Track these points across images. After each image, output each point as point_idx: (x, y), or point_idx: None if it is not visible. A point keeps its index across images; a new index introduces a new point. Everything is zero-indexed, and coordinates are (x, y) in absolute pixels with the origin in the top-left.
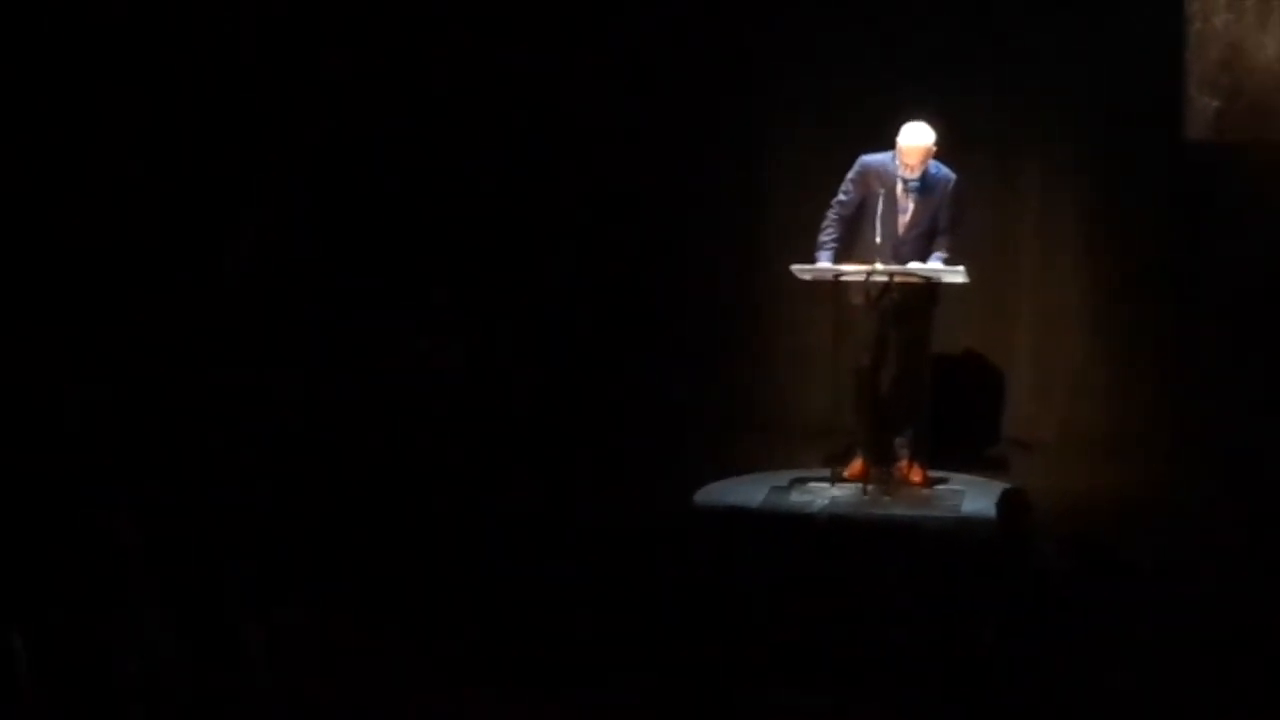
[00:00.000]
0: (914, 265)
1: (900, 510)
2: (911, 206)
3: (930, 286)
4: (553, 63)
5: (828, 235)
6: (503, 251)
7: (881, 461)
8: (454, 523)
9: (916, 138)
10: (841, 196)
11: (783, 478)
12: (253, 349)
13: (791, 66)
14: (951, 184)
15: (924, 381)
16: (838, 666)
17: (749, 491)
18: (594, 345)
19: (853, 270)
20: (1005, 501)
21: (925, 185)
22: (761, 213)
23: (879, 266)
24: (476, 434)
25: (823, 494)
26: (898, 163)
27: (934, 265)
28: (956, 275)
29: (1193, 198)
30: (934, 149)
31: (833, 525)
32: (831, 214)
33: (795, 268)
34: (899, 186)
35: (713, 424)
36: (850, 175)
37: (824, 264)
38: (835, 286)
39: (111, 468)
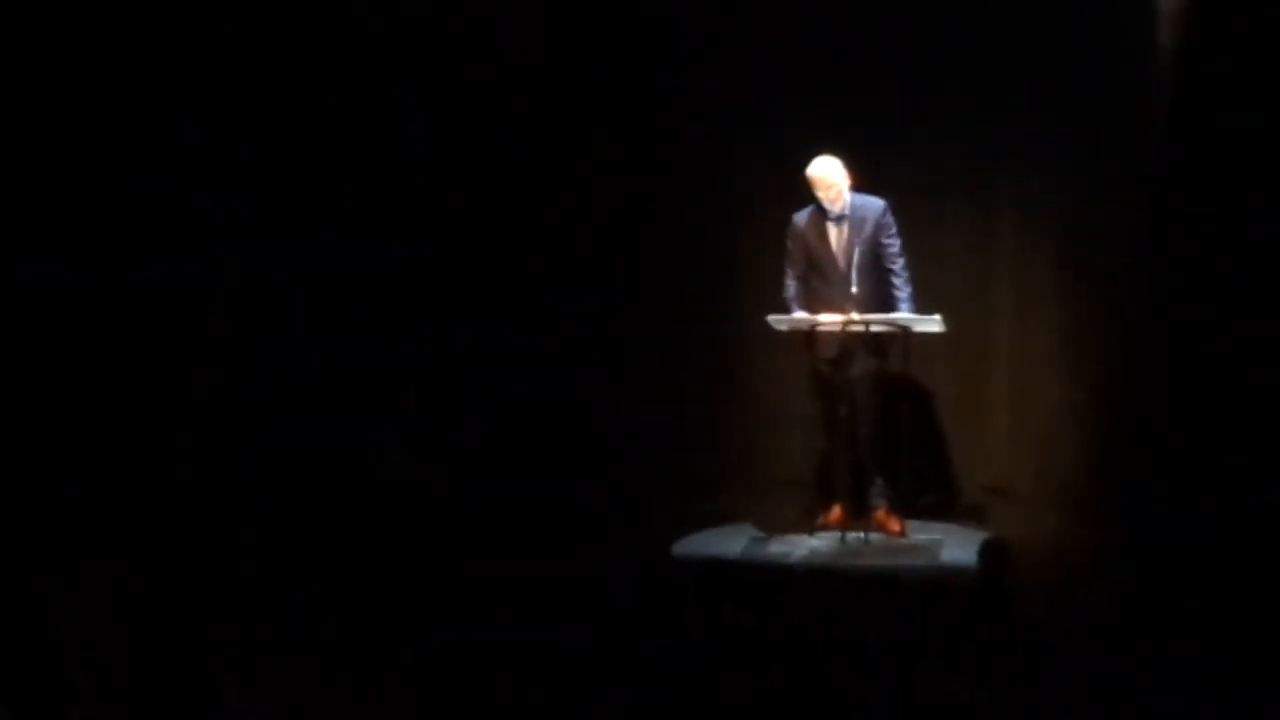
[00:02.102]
0: (891, 315)
1: (879, 560)
2: (849, 243)
3: (896, 333)
4: (529, 123)
5: (792, 292)
6: (478, 300)
7: (859, 511)
8: (431, 580)
9: (825, 169)
10: (789, 258)
11: (761, 529)
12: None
13: (766, 120)
14: (882, 209)
15: (896, 424)
16: (818, 717)
17: (728, 543)
18: (570, 398)
19: (829, 319)
20: (986, 551)
21: (855, 216)
22: (736, 265)
23: (855, 315)
24: (450, 492)
25: (801, 544)
26: (819, 203)
27: (908, 314)
28: (933, 324)
29: (1166, 236)
30: (848, 179)
31: (812, 575)
32: (786, 278)
33: (772, 318)
34: (829, 226)
35: (690, 476)
36: (787, 236)
37: (799, 314)
38: (810, 337)
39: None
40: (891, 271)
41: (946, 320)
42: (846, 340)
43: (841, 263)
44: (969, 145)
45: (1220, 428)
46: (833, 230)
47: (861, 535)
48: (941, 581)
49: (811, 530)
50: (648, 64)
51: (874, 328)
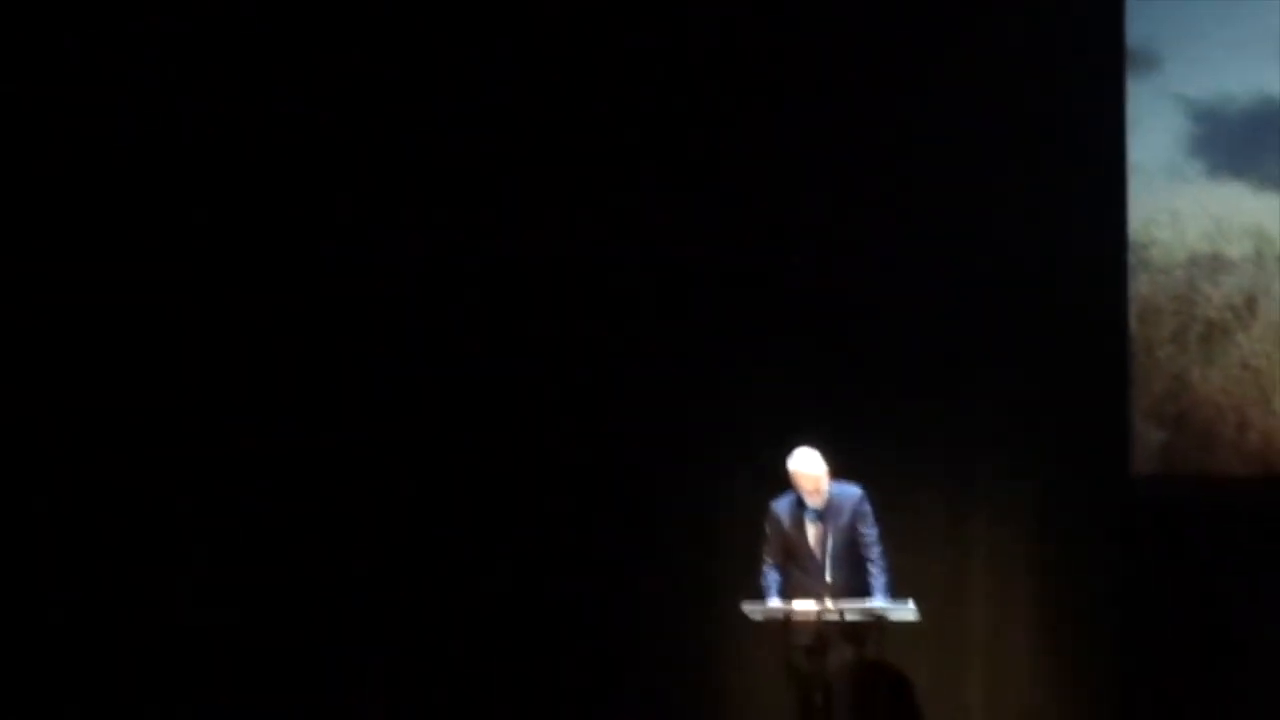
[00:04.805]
0: (865, 604)
1: None
2: (825, 532)
3: (871, 621)
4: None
5: (769, 580)
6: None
7: None
8: None
9: (809, 465)
10: (766, 546)
11: None
12: None
13: (740, 407)
14: (859, 499)
15: (872, 712)
16: None
17: None
18: (542, 688)
19: (803, 608)
20: None
21: (831, 507)
22: (713, 552)
23: (830, 604)
24: None
25: None
26: (799, 493)
27: (883, 602)
28: (907, 613)
29: (1143, 533)
30: (828, 471)
31: None
32: (764, 566)
33: (746, 607)
34: (806, 517)
35: None
36: (766, 522)
37: (774, 603)
38: (784, 626)
39: None
40: (868, 559)
41: (922, 609)
42: (822, 629)
43: (818, 552)
44: (944, 439)
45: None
46: (810, 522)
47: None
48: None
49: None
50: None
51: (849, 616)
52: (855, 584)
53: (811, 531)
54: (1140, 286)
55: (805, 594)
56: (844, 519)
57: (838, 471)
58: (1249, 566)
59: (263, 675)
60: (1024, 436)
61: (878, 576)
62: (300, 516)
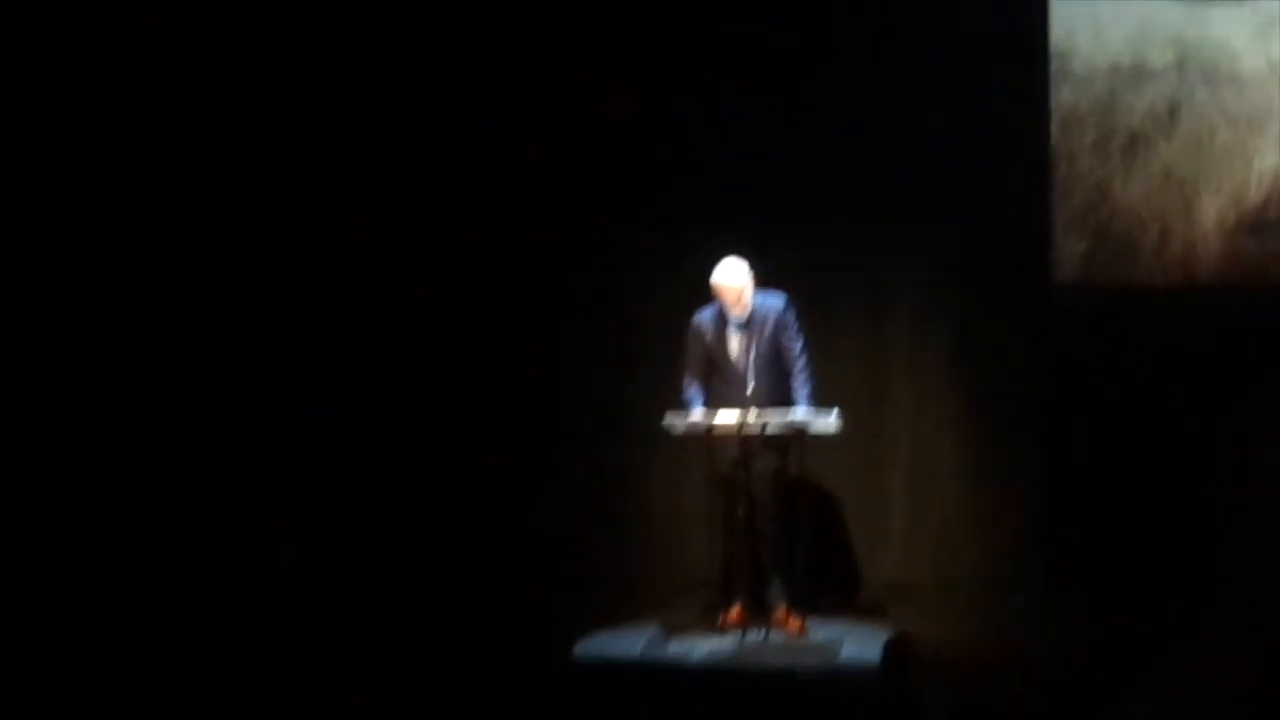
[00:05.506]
0: (786, 417)
1: (778, 659)
2: (748, 343)
3: (794, 432)
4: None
5: (691, 393)
6: (381, 404)
7: (760, 610)
8: (331, 689)
9: (732, 276)
10: (689, 358)
11: (662, 629)
12: None
13: (663, 214)
14: (782, 308)
15: (795, 523)
16: None
17: (628, 643)
18: (467, 499)
19: (725, 421)
20: (887, 648)
21: (755, 318)
22: (634, 369)
23: (751, 416)
24: (344, 591)
25: (701, 644)
26: (722, 305)
27: (803, 414)
28: (828, 424)
29: (1062, 341)
30: (752, 281)
31: (711, 676)
32: (687, 377)
33: (668, 421)
34: (729, 328)
35: (590, 577)
36: (688, 336)
37: (696, 416)
38: (707, 438)
39: None
40: (792, 369)
41: (844, 418)
42: (745, 440)
43: (741, 364)
44: (864, 246)
45: (1122, 519)
46: (734, 333)
47: (762, 634)
48: (841, 680)
49: (712, 630)
50: (547, 159)
51: (771, 429)
52: (778, 395)
53: (734, 342)
54: (1062, 96)
55: (728, 406)
56: (768, 328)
57: (760, 281)
58: (1167, 376)
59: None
60: (945, 246)
61: (800, 388)
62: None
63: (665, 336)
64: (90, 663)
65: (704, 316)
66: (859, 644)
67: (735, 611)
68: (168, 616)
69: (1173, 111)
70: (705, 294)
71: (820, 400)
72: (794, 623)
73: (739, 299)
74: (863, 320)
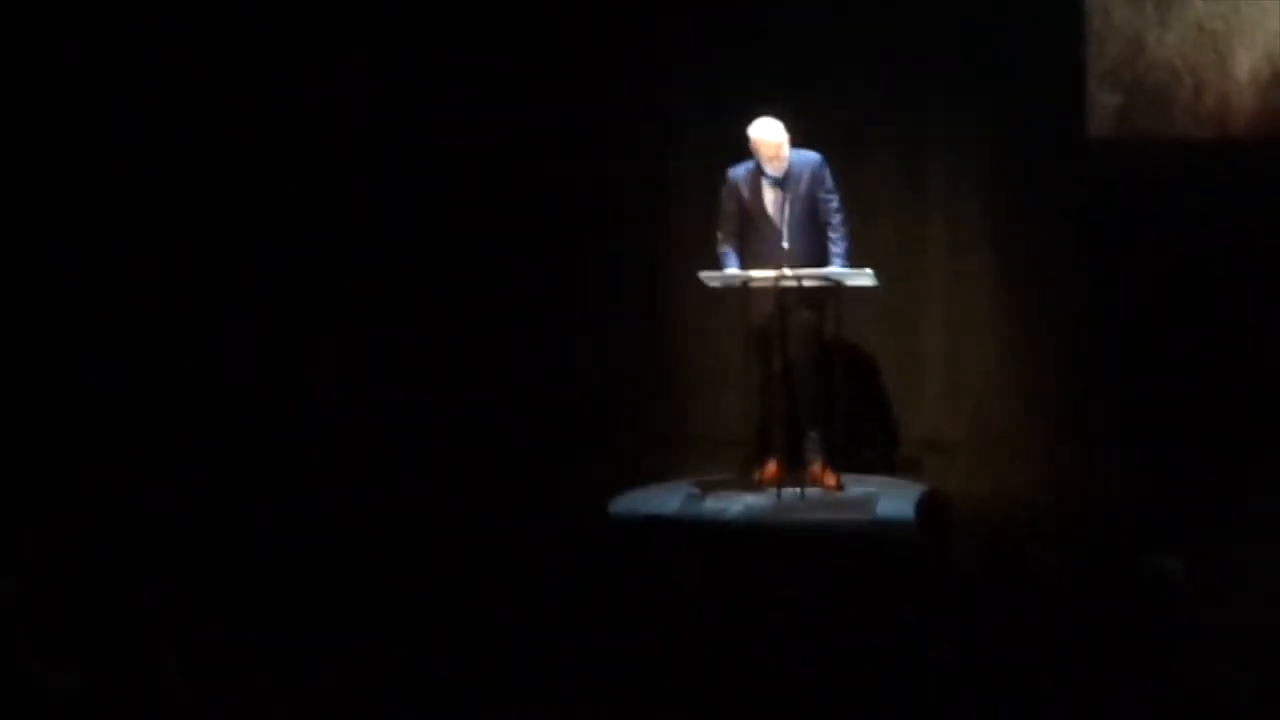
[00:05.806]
0: (823, 270)
1: (815, 515)
2: (784, 199)
3: (830, 288)
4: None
5: (726, 248)
6: (409, 260)
7: (795, 466)
8: (367, 539)
9: (769, 131)
10: (723, 215)
11: (698, 485)
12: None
13: (696, 74)
14: (818, 165)
15: (831, 379)
16: (755, 677)
17: (664, 500)
18: (501, 357)
19: (761, 275)
20: (924, 503)
21: (791, 175)
22: (666, 223)
23: (787, 271)
24: (388, 461)
25: (738, 500)
26: (758, 161)
27: (840, 268)
28: (865, 278)
29: (1097, 196)
30: (788, 138)
31: (748, 532)
32: (720, 234)
33: (704, 275)
34: (765, 184)
35: (626, 433)
36: (723, 192)
37: (732, 270)
38: (742, 293)
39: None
40: (829, 226)
41: (879, 274)
42: (781, 296)
43: (777, 219)
44: (898, 101)
45: (1159, 375)
46: (769, 188)
47: (797, 490)
48: (877, 535)
49: (748, 486)
50: (576, 23)
51: (807, 283)
52: (813, 252)
53: (770, 198)
54: None
55: (763, 263)
56: (803, 185)
57: (796, 141)
58: (1202, 230)
59: None
60: (979, 101)
61: (838, 243)
62: None
63: (700, 193)
64: None
65: (739, 171)
66: (895, 500)
67: (771, 467)
68: None
69: None
70: (739, 150)
71: (856, 260)
72: (830, 478)
73: (776, 153)
74: (897, 179)
